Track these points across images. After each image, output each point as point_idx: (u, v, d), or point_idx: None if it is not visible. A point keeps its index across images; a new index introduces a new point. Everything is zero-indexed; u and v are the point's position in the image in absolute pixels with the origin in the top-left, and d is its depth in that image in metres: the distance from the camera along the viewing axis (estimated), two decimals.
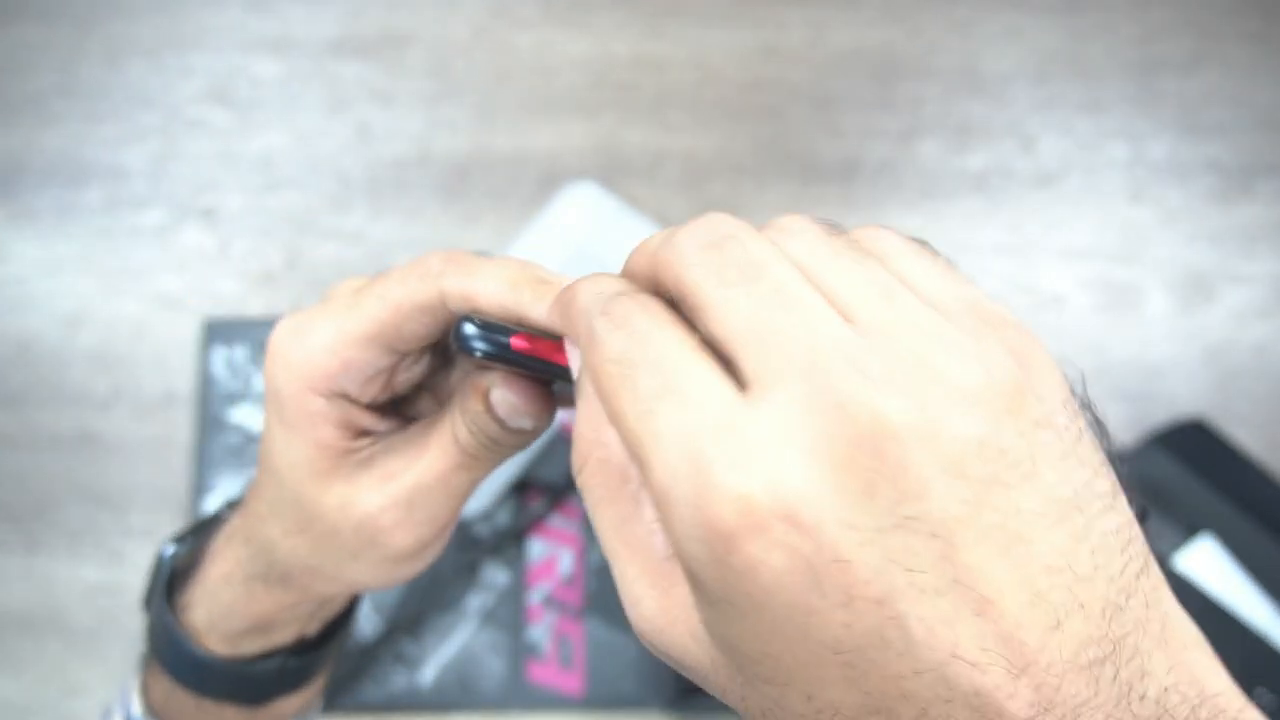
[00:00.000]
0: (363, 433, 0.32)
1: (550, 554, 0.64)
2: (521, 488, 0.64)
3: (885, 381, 0.19)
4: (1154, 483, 0.61)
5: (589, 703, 0.61)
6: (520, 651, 0.62)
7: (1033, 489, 0.19)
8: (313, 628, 0.38)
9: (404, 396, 0.34)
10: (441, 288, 0.30)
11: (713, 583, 0.19)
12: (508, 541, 0.64)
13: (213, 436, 0.65)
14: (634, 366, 0.21)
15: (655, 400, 0.20)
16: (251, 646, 0.36)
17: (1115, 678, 0.18)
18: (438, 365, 0.34)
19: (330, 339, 0.31)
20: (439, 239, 0.69)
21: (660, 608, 0.22)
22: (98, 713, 0.58)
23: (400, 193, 0.70)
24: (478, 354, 0.27)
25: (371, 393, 0.32)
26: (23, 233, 0.69)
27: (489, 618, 0.63)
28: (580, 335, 0.23)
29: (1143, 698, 0.19)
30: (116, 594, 0.62)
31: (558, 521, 0.64)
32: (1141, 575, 0.20)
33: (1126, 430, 0.65)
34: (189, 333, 0.67)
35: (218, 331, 0.67)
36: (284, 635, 0.37)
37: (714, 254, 0.22)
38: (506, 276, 0.29)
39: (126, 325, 0.67)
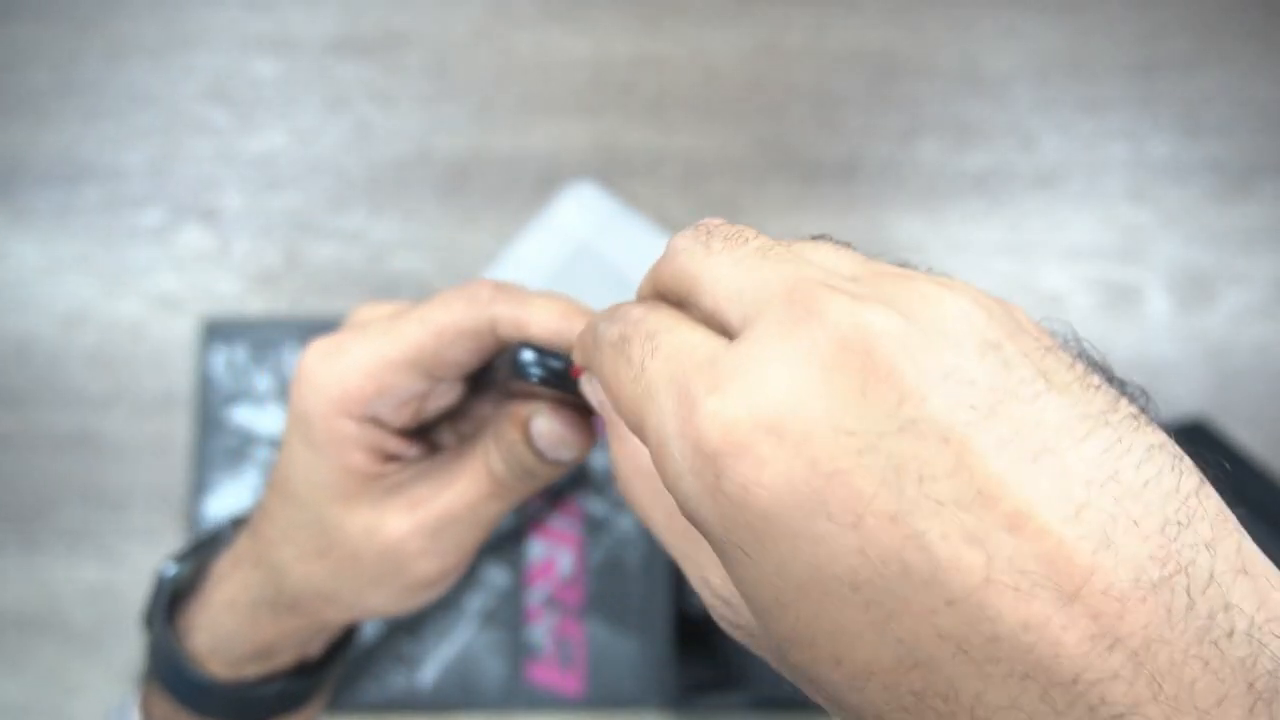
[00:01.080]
0: (390, 458, 0.32)
1: (550, 554, 0.64)
2: None
3: (872, 299, 0.17)
4: None
5: (589, 703, 0.61)
6: (520, 652, 0.62)
7: (1050, 404, 0.16)
8: (314, 649, 0.38)
9: (427, 426, 0.34)
10: (493, 314, 0.30)
11: (713, 524, 0.17)
12: (508, 541, 0.64)
13: (212, 437, 0.65)
14: (628, 342, 0.21)
15: (647, 360, 0.19)
16: (253, 670, 0.36)
17: (1190, 608, 0.15)
18: (464, 397, 0.34)
19: (367, 362, 0.30)
20: (439, 239, 0.69)
21: (724, 577, 0.22)
22: (97, 713, 0.58)
23: (400, 193, 0.70)
24: (534, 379, 0.27)
25: (404, 419, 0.32)
26: (21, 232, 0.69)
27: (489, 618, 0.63)
28: (587, 346, 0.24)
29: (1230, 634, 0.15)
30: (115, 594, 0.62)
31: (558, 521, 0.64)
32: (1201, 494, 0.17)
33: None
34: (188, 333, 0.67)
35: (217, 331, 0.66)
36: (286, 659, 0.36)
37: (700, 236, 0.21)
38: (558, 307, 0.30)
39: (125, 325, 0.67)
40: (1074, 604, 0.15)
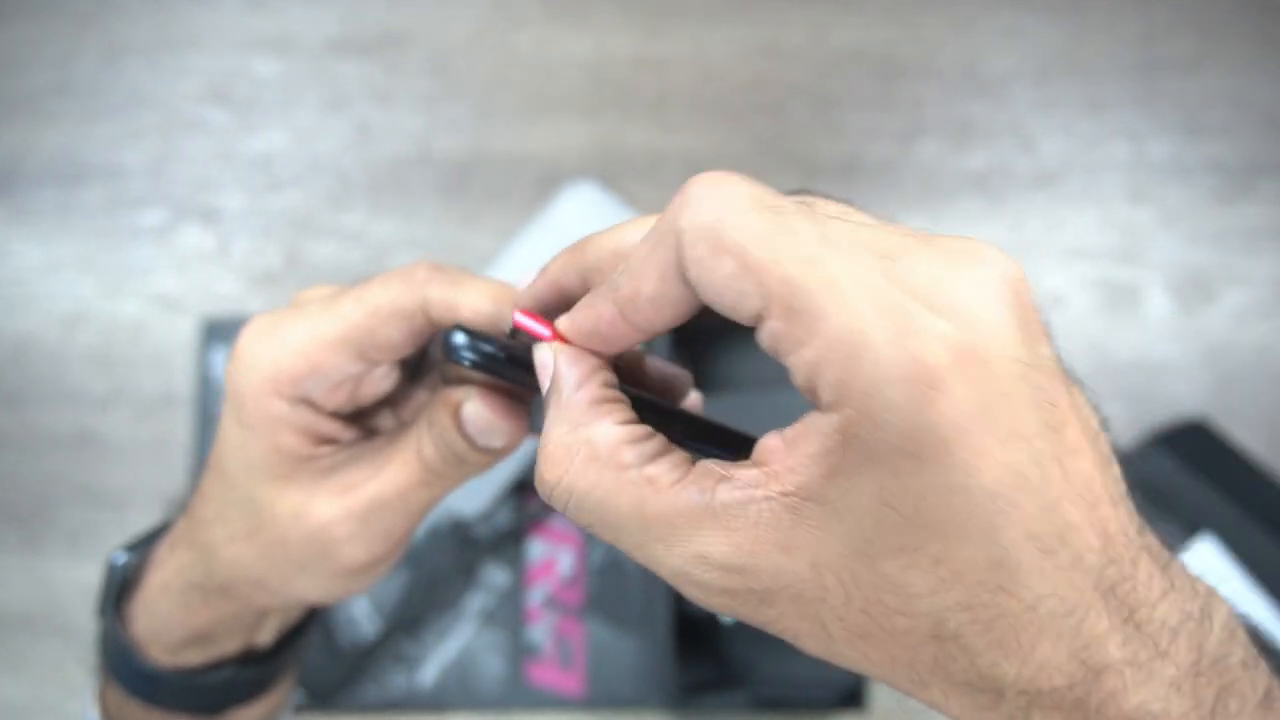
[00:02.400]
0: (324, 441, 0.32)
1: (550, 554, 0.64)
2: (521, 488, 0.64)
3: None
4: (1155, 483, 0.61)
5: (589, 703, 0.61)
6: (520, 652, 0.62)
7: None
8: (264, 638, 0.37)
9: (367, 411, 0.34)
10: (425, 295, 0.30)
11: (905, 431, 0.19)
12: (508, 541, 0.64)
13: (212, 437, 0.65)
14: (783, 213, 0.20)
15: (819, 247, 0.20)
16: (194, 657, 0.35)
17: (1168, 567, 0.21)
18: (403, 383, 0.34)
19: (301, 341, 0.30)
20: (439, 239, 0.69)
21: (733, 545, 0.21)
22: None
23: (400, 193, 0.70)
24: (465, 363, 0.27)
25: (336, 401, 0.31)
26: (21, 233, 0.69)
27: (489, 618, 0.63)
28: (576, 267, 0.26)
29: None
30: None
31: (558, 521, 0.64)
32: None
33: (1127, 430, 0.65)
34: (188, 333, 0.67)
35: (217, 331, 0.66)
36: (228, 646, 0.36)
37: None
38: (492, 291, 0.30)
39: (126, 325, 0.67)
40: (1097, 527, 0.20)
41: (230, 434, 0.32)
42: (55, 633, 0.62)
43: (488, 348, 0.27)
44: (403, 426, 0.33)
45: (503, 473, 0.62)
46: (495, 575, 0.63)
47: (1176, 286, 0.69)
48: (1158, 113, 0.72)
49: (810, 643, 0.22)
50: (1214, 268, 0.69)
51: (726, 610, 0.22)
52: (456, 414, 0.30)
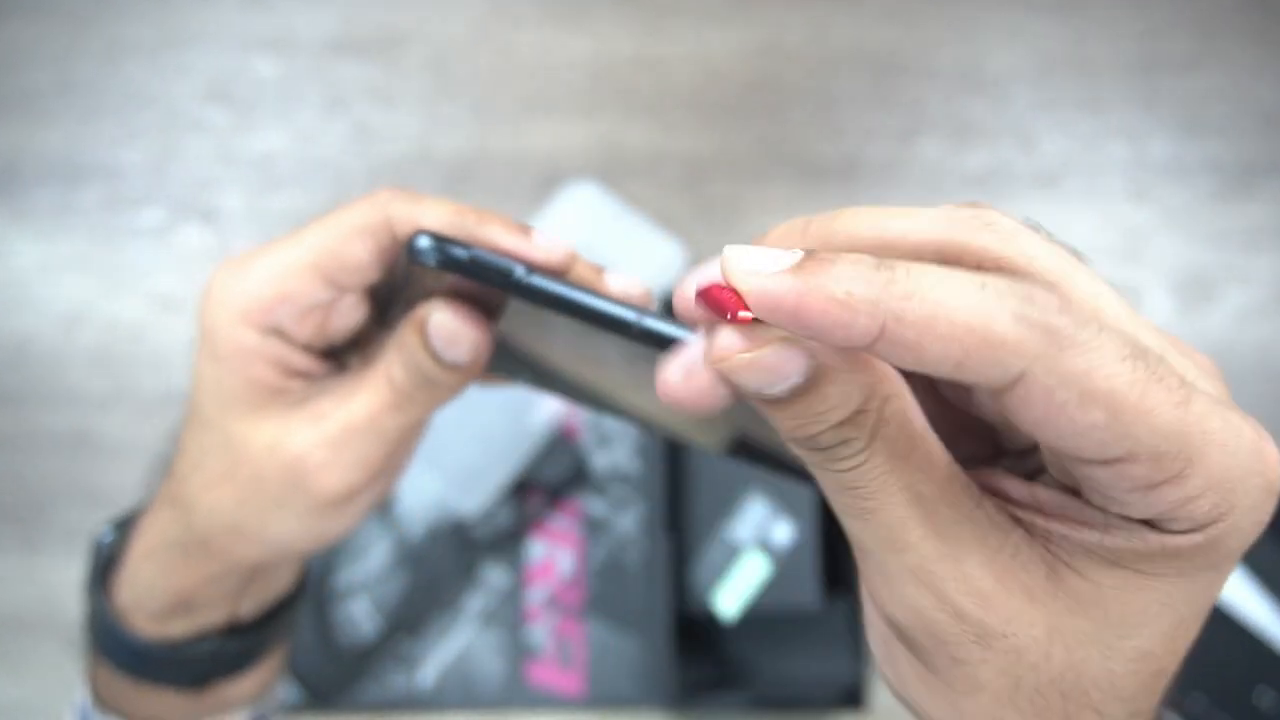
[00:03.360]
0: (296, 374, 0.32)
1: (550, 554, 0.64)
2: (521, 488, 0.64)
3: None
4: None
5: (589, 703, 0.61)
6: (520, 652, 0.62)
7: None
8: (246, 609, 0.37)
9: (337, 352, 0.34)
10: (388, 212, 0.30)
11: (1235, 551, 0.20)
12: (508, 541, 0.64)
13: None
14: (1147, 358, 0.19)
15: (1185, 391, 0.19)
16: (179, 627, 0.36)
17: None
18: (372, 326, 0.34)
19: (269, 270, 0.31)
20: None
21: (996, 578, 0.21)
22: None
23: None
24: (430, 261, 0.28)
25: (307, 332, 0.32)
26: (21, 232, 0.69)
27: (489, 618, 0.63)
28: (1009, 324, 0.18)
29: None
30: None
31: (558, 521, 0.64)
32: None
33: None
34: (188, 333, 0.67)
35: None
36: (211, 615, 0.36)
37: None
38: (451, 205, 0.31)
39: (125, 325, 0.67)
40: None
41: (204, 371, 0.32)
42: (53, 633, 0.62)
43: (459, 252, 0.28)
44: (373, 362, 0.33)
45: (503, 472, 0.62)
46: (495, 575, 0.63)
47: (1176, 286, 0.69)
48: (1158, 112, 0.72)
49: (974, 701, 0.21)
50: (1214, 267, 0.69)
51: (931, 636, 0.21)
52: (422, 330, 0.30)
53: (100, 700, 0.37)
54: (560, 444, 0.64)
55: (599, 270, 0.32)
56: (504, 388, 0.37)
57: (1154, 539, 0.20)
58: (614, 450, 0.65)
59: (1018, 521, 0.21)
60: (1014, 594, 0.20)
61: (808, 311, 0.18)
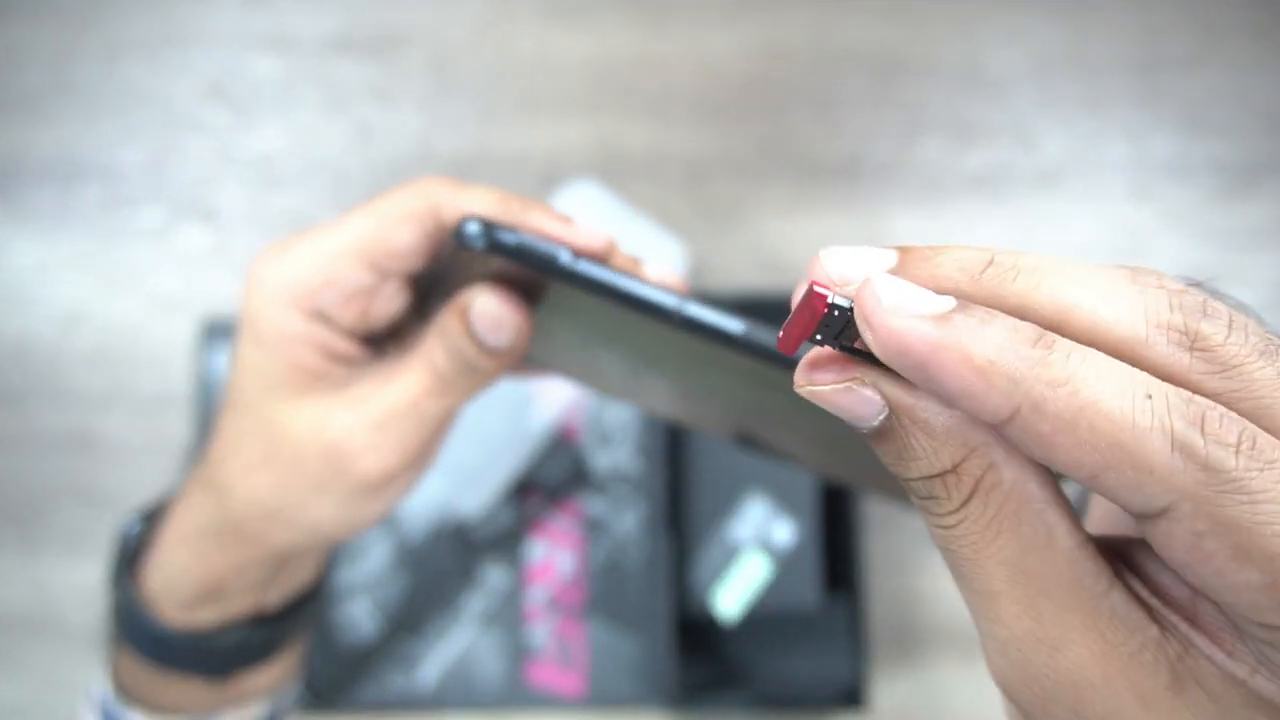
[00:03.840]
0: (338, 359, 0.32)
1: (550, 554, 0.64)
2: (521, 488, 0.64)
3: None
4: None
5: (589, 703, 0.61)
6: (520, 652, 0.62)
7: None
8: (271, 598, 0.37)
9: (378, 340, 0.34)
10: (434, 199, 0.31)
11: None
12: (508, 542, 0.64)
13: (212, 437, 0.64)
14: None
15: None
16: (206, 615, 0.36)
17: None
18: (412, 317, 0.34)
19: (314, 255, 0.31)
20: None
21: (1105, 676, 0.18)
22: None
23: None
24: (478, 242, 0.28)
25: (350, 317, 0.32)
26: (19, 232, 0.69)
27: (489, 618, 0.63)
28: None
29: None
30: None
31: (558, 522, 0.64)
32: None
33: None
34: (187, 333, 0.67)
35: (216, 332, 0.66)
36: (239, 604, 0.36)
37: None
38: (495, 193, 0.31)
39: (125, 325, 0.67)
40: None
41: (247, 356, 0.32)
42: (53, 634, 0.62)
43: (509, 237, 0.28)
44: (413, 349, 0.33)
45: (503, 472, 0.62)
46: (495, 575, 0.63)
47: None
48: (1159, 111, 0.72)
49: None
50: (1216, 267, 0.69)
51: (1022, 706, 0.19)
52: (465, 317, 0.30)
53: (123, 690, 0.37)
54: (560, 444, 0.64)
55: (637, 260, 0.32)
56: (537, 377, 0.38)
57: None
58: (614, 450, 0.65)
59: (1153, 618, 0.18)
60: (1120, 694, 0.18)
61: (938, 369, 0.16)
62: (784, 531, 0.60)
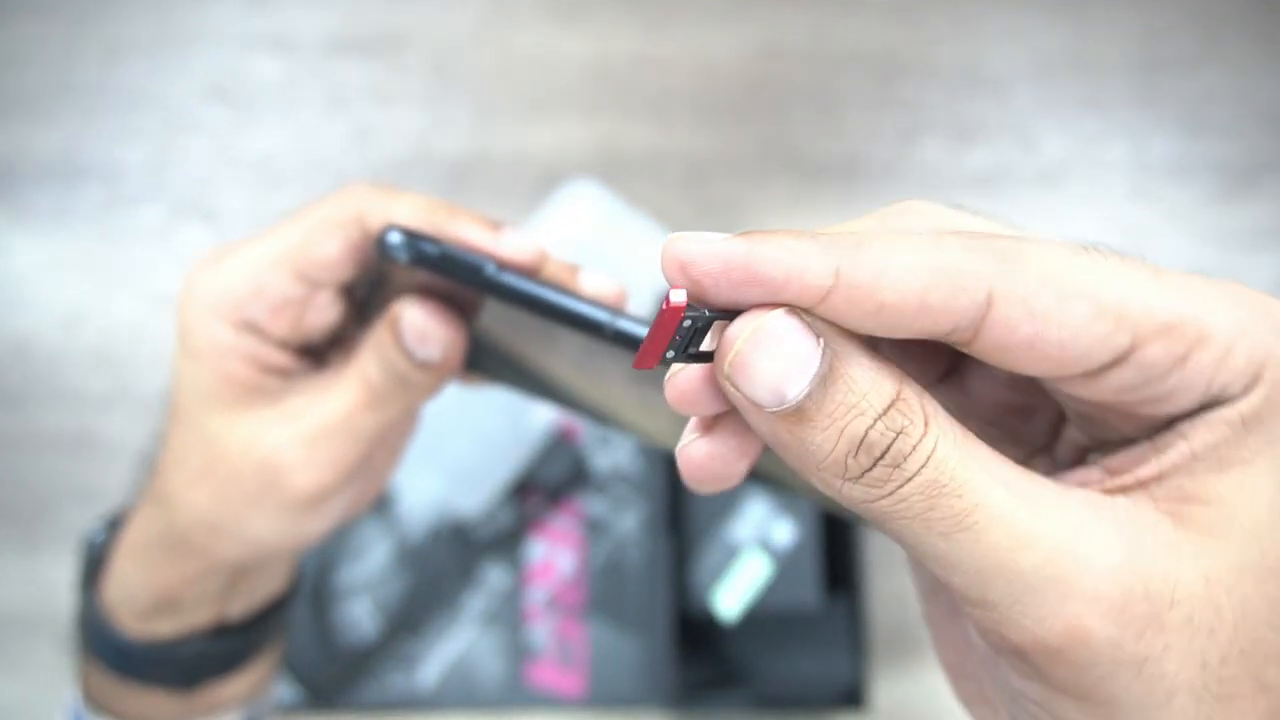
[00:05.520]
0: (271, 370, 0.32)
1: (550, 554, 0.64)
2: (521, 488, 0.64)
3: None
4: None
5: (589, 703, 0.61)
6: (520, 652, 0.62)
7: None
8: (234, 610, 0.37)
9: (318, 351, 0.34)
10: (360, 206, 0.30)
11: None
12: (508, 541, 0.64)
13: None
14: (1094, 250, 0.19)
15: (1145, 265, 0.20)
16: (164, 626, 0.35)
17: None
18: (350, 322, 0.34)
19: (241, 265, 0.31)
20: None
21: (1131, 549, 0.18)
22: None
23: None
24: (400, 258, 0.27)
25: (281, 328, 0.32)
26: (20, 232, 0.69)
27: (489, 618, 0.63)
28: None
29: None
30: None
31: (558, 521, 0.64)
32: None
33: None
34: None
35: None
36: (198, 615, 0.36)
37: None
38: (423, 200, 0.30)
39: (125, 325, 0.67)
40: None
41: (183, 369, 0.32)
42: (53, 634, 0.62)
43: (431, 248, 0.27)
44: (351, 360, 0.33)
45: (503, 472, 0.62)
46: (495, 575, 0.63)
47: None
48: (1159, 112, 0.72)
49: (1169, 712, 0.18)
50: (1216, 267, 0.69)
51: (1094, 647, 0.18)
52: (395, 328, 0.30)
53: (91, 700, 0.37)
54: (560, 444, 0.64)
55: (574, 269, 0.31)
56: (487, 388, 0.37)
57: (1227, 413, 0.18)
58: (614, 450, 0.65)
59: (1109, 494, 0.19)
60: (1159, 557, 0.18)
61: (760, 261, 0.17)
62: (784, 531, 0.60)
